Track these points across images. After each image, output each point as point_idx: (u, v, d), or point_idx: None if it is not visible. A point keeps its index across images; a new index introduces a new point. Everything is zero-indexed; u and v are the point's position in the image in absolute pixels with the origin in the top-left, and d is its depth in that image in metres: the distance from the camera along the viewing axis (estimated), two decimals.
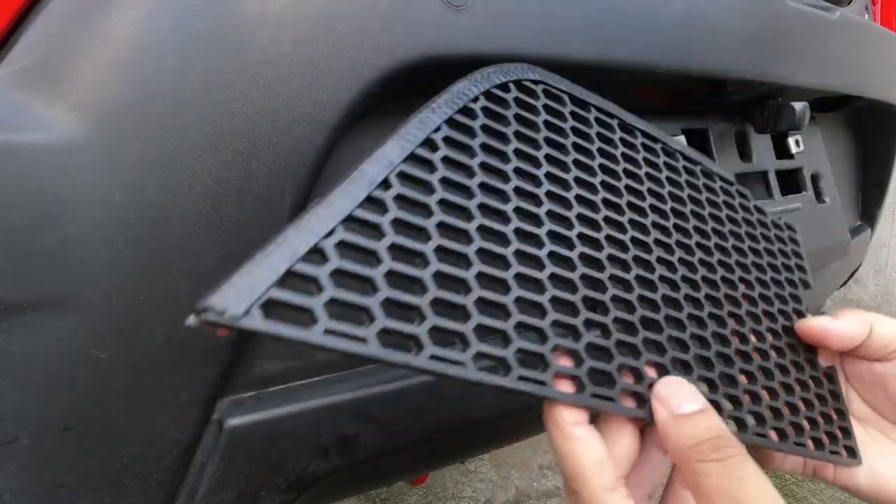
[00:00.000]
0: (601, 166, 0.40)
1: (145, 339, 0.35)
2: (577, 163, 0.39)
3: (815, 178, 0.88)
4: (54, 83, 0.32)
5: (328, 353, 0.47)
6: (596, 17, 0.50)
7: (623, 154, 0.42)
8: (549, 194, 0.37)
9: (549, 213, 0.36)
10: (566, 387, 0.31)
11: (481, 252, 0.32)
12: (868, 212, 1.05)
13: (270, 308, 0.25)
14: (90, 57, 0.32)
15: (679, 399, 0.30)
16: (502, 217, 0.34)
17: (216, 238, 0.36)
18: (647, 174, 0.43)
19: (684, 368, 0.36)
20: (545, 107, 0.40)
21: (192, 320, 0.23)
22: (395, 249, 0.29)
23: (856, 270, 1.08)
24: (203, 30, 0.34)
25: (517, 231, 0.34)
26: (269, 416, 0.42)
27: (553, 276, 0.34)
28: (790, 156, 0.84)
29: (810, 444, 0.40)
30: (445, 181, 0.33)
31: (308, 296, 0.26)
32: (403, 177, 0.31)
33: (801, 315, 0.45)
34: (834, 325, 0.41)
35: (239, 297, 0.24)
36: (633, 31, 0.52)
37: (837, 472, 0.43)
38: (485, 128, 0.36)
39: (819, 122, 0.92)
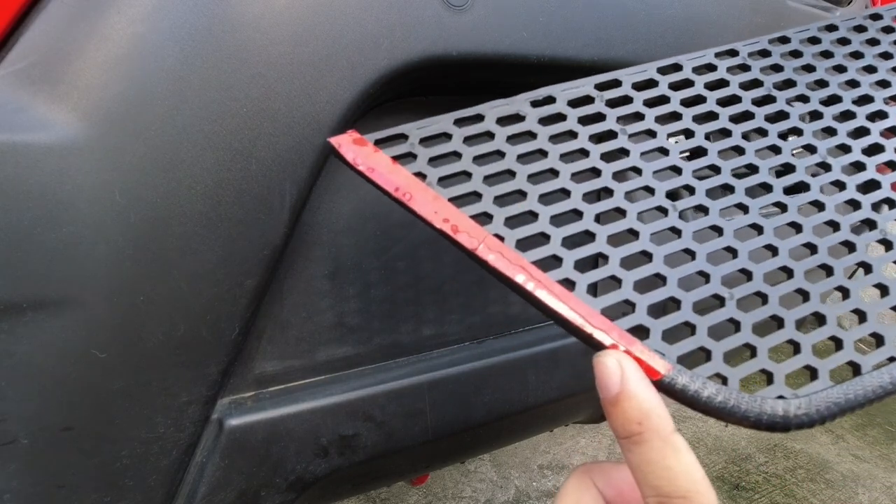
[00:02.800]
0: None
1: (145, 339, 0.35)
2: None
3: None
4: (54, 83, 0.32)
5: (328, 353, 0.47)
6: (596, 17, 0.50)
7: None
8: None
9: None
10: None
11: None
12: None
13: None
14: (90, 57, 0.32)
15: (608, 380, 0.29)
16: None
17: (216, 238, 0.36)
18: None
19: None
20: None
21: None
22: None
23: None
24: (203, 30, 0.34)
25: None
26: (269, 416, 0.42)
27: None
28: None
29: None
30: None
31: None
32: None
33: None
34: None
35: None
36: (632, 31, 0.52)
37: None
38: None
39: None
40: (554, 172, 0.37)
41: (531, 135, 0.38)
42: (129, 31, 0.33)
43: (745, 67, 0.45)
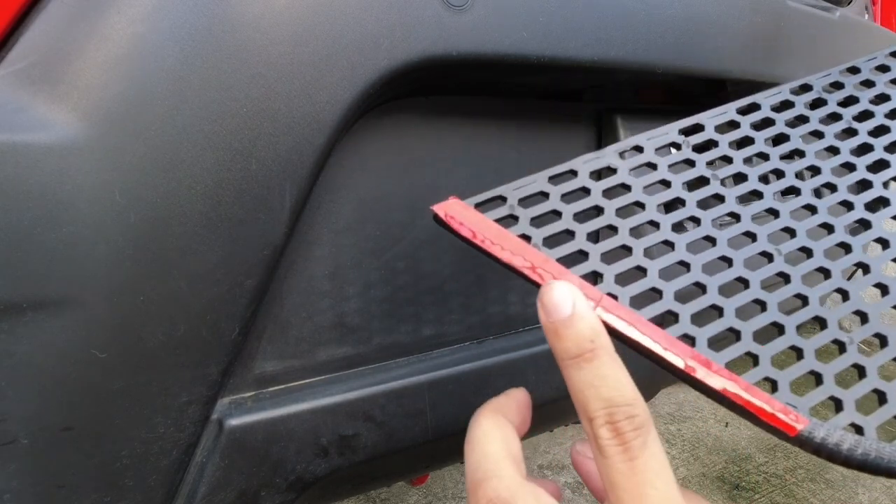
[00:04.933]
0: None
1: (145, 339, 0.35)
2: None
3: None
4: (54, 83, 0.32)
5: (328, 353, 0.47)
6: (596, 17, 0.50)
7: None
8: None
9: None
10: None
11: None
12: None
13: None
14: (90, 57, 0.32)
15: (562, 303, 0.31)
16: None
17: (216, 238, 0.36)
18: None
19: None
20: None
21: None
22: None
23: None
24: (203, 30, 0.34)
25: None
26: (269, 416, 0.42)
27: None
28: None
29: None
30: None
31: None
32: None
33: None
34: None
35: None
36: (632, 31, 0.52)
37: None
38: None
39: None
40: (654, 224, 0.37)
41: (626, 187, 0.38)
42: (129, 31, 0.33)
43: (821, 102, 0.46)
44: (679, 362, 0.30)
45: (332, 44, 0.38)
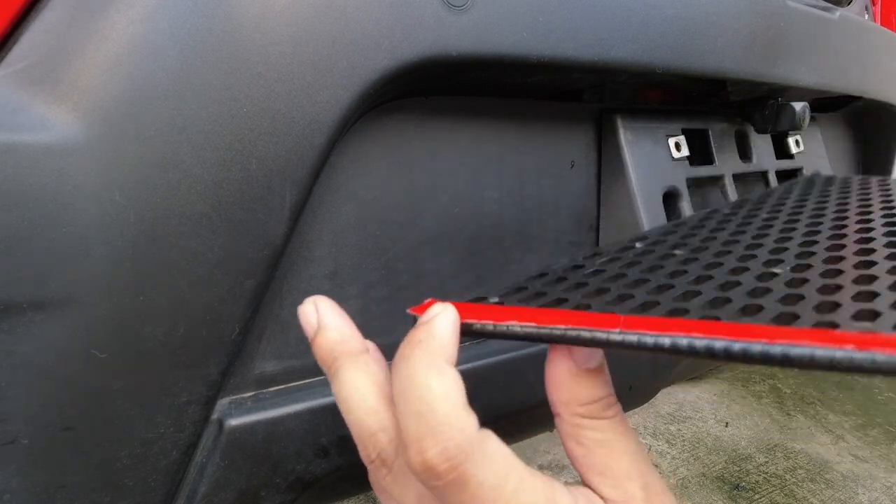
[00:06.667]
0: None
1: (145, 339, 0.35)
2: None
3: None
4: (54, 83, 0.32)
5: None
6: (596, 17, 0.50)
7: None
8: None
9: None
10: None
11: None
12: None
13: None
14: (90, 57, 0.32)
15: (308, 320, 0.33)
16: None
17: (216, 238, 0.36)
18: None
19: None
20: None
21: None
22: None
23: None
24: (203, 30, 0.34)
25: None
26: (269, 416, 0.42)
27: None
28: (790, 156, 0.84)
29: None
30: None
31: None
32: None
33: None
34: None
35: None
36: (632, 31, 0.52)
37: None
38: None
39: (819, 123, 0.92)
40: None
41: (600, 272, 0.41)
42: (129, 31, 0.33)
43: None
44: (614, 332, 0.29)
45: (333, 44, 0.38)
